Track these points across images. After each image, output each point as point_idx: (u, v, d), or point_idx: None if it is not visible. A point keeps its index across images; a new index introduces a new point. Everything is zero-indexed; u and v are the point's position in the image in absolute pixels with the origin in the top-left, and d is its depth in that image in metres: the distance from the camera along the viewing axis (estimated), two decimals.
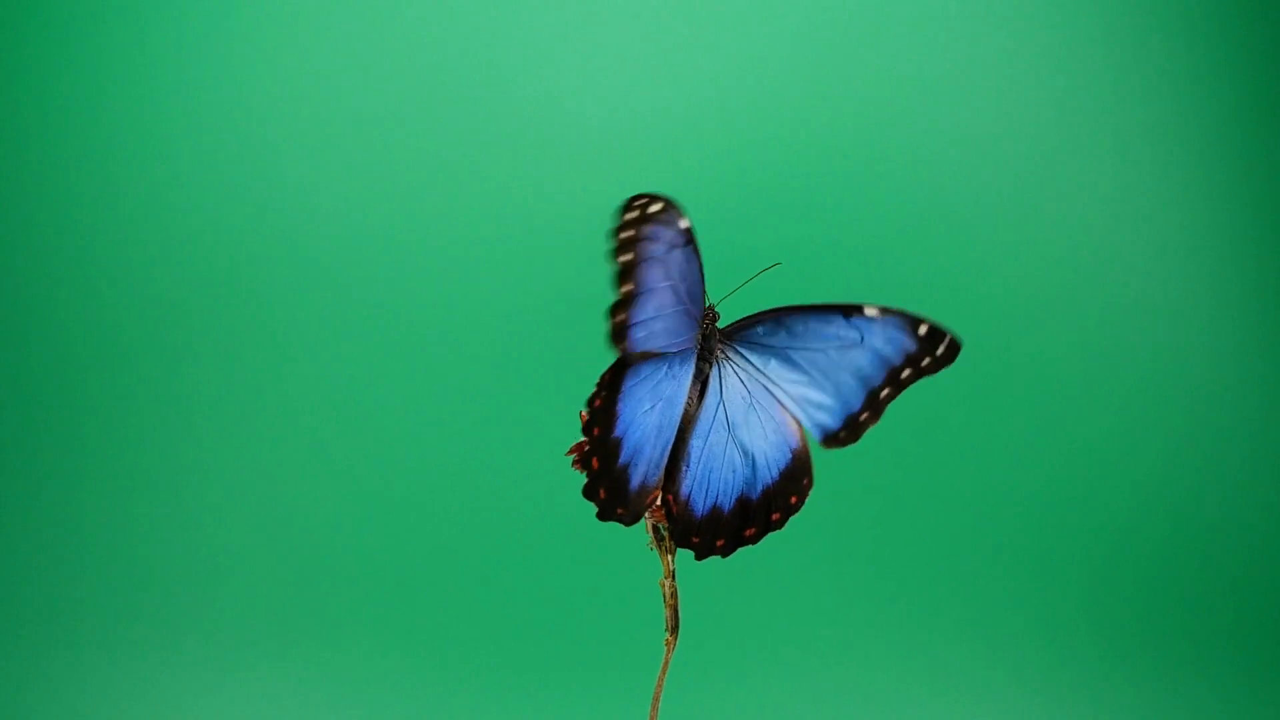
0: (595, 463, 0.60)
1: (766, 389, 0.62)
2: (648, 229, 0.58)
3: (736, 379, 0.62)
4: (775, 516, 0.61)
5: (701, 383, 0.61)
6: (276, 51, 1.17)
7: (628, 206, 0.58)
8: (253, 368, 1.15)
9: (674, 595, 0.63)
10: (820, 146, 1.20)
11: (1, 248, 1.15)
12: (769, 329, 0.62)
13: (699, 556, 0.62)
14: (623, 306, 0.58)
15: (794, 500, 0.61)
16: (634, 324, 0.59)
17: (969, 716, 1.10)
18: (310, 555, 1.14)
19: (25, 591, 1.11)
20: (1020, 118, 1.21)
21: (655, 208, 0.58)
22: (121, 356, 1.14)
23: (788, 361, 0.62)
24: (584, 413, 0.60)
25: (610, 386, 0.59)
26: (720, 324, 0.62)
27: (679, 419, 0.61)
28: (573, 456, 0.61)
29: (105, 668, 1.09)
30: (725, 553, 0.62)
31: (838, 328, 0.62)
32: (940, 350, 0.61)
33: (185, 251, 1.16)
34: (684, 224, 0.59)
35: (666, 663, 0.63)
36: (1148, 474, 1.19)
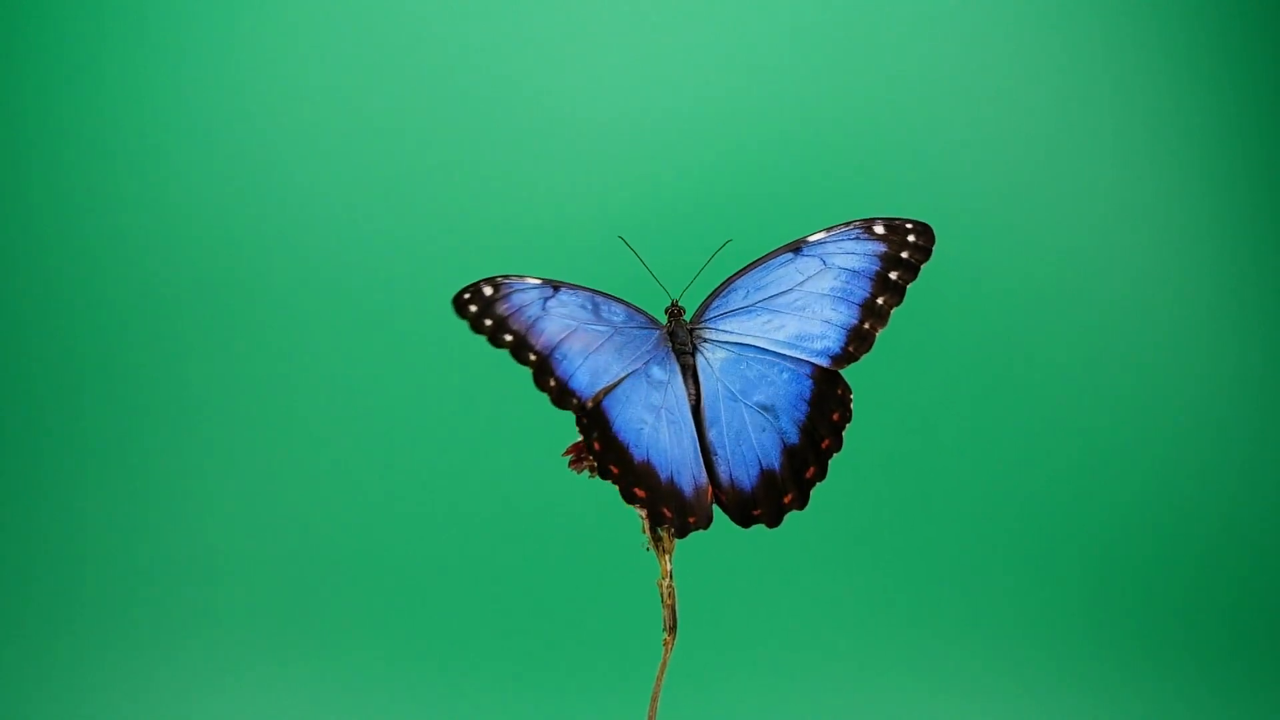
0: (640, 492, 0.59)
1: (756, 347, 0.62)
2: (502, 306, 0.58)
3: (722, 354, 0.62)
4: (825, 444, 0.60)
5: (692, 375, 0.61)
6: (279, 53, 1.17)
7: (460, 305, 0.58)
8: (253, 368, 1.15)
9: (672, 595, 0.63)
10: (820, 147, 1.20)
11: (1, 248, 1.15)
12: (730, 297, 0.62)
13: (772, 524, 0.61)
14: (541, 376, 0.58)
15: (836, 417, 0.60)
16: (569, 376, 0.59)
17: (969, 716, 1.10)
18: (310, 555, 1.14)
19: (25, 591, 1.11)
20: (1020, 118, 1.21)
21: (488, 291, 0.58)
22: (122, 356, 1.14)
23: (766, 313, 0.62)
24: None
25: (597, 424, 0.59)
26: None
27: (690, 417, 0.61)
28: (569, 457, 0.61)
29: (105, 668, 1.09)
30: (800, 505, 0.61)
31: (795, 265, 0.62)
32: (912, 239, 0.61)
33: (186, 252, 1.16)
34: (534, 282, 0.59)
35: (665, 662, 0.63)
36: (1148, 474, 1.19)
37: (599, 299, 0.61)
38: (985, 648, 1.14)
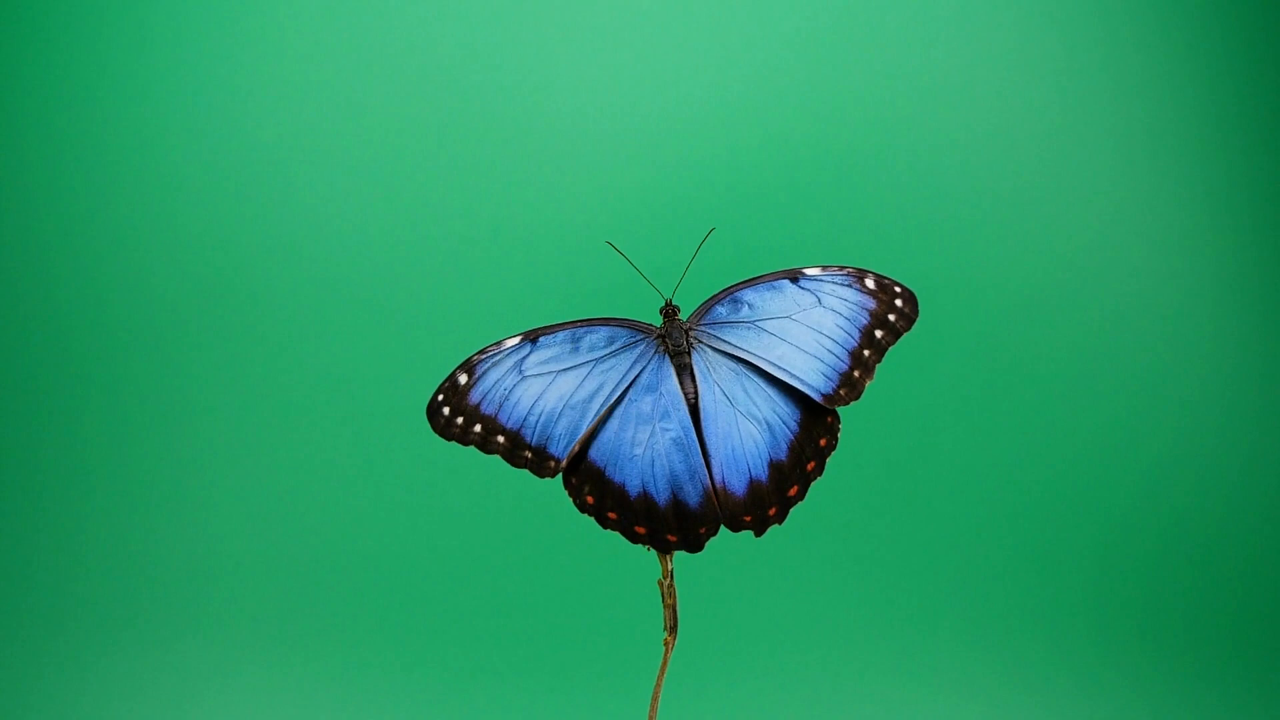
0: (641, 529, 0.60)
1: (750, 362, 0.62)
2: (470, 396, 0.60)
3: (719, 358, 0.62)
4: (810, 466, 0.61)
5: (689, 374, 0.62)
6: (278, 53, 1.18)
7: (433, 415, 0.60)
8: (252, 368, 1.15)
9: (673, 595, 0.63)
10: (820, 148, 1.20)
11: (1, 248, 1.15)
12: (729, 308, 0.63)
13: (759, 532, 0.61)
14: (516, 453, 0.60)
15: (824, 443, 0.61)
16: (543, 442, 0.60)
17: (969, 716, 1.10)
18: (310, 555, 1.14)
19: (25, 591, 1.11)
20: (1020, 118, 1.21)
21: (463, 379, 0.60)
22: (122, 356, 1.15)
23: (760, 333, 0.62)
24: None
25: (588, 478, 0.60)
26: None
27: (689, 417, 0.61)
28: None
29: (105, 668, 1.09)
30: (780, 520, 0.62)
31: (791, 294, 0.62)
32: (899, 304, 0.62)
33: (186, 253, 1.16)
34: (511, 343, 0.60)
35: (665, 662, 0.63)
36: (1148, 474, 1.19)
37: (579, 331, 0.61)
38: (985, 648, 1.15)
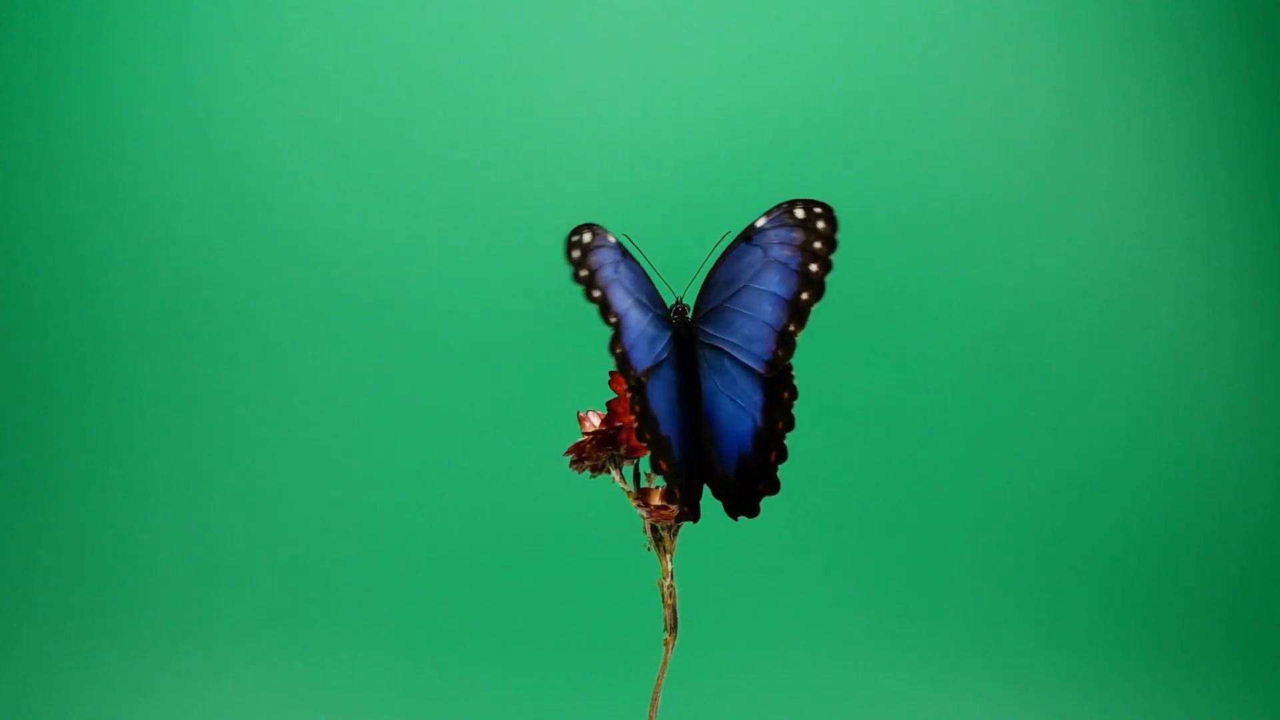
0: (664, 464, 0.59)
1: (724, 350, 0.61)
2: (593, 258, 0.58)
3: (709, 351, 0.62)
4: (780, 425, 0.61)
5: (694, 371, 0.62)
6: (278, 52, 1.18)
7: (573, 244, 0.57)
8: (253, 368, 1.15)
9: (673, 595, 0.63)
10: (819, 148, 1.20)
11: (1, 248, 1.15)
12: (711, 294, 0.62)
13: (752, 513, 0.61)
14: (615, 343, 0.58)
15: (786, 396, 0.60)
16: (629, 348, 0.58)
17: (969, 716, 1.10)
18: (310, 556, 1.14)
19: (25, 591, 1.11)
20: (1020, 118, 1.21)
21: (588, 237, 0.57)
22: (122, 357, 1.15)
23: (725, 312, 0.61)
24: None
25: (639, 396, 0.59)
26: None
27: (691, 414, 0.61)
28: (570, 457, 0.61)
29: (105, 668, 1.09)
30: (773, 490, 0.61)
31: (747, 258, 0.61)
32: (820, 225, 0.59)
33: (187, 253, 1.16)
34: (613, 240, 0.59)
35: (665, 662, 0.63)
36: (1148, 474, 1.19)
37: (642, 280, 0.60)
38: (985, 647, 1.15)
